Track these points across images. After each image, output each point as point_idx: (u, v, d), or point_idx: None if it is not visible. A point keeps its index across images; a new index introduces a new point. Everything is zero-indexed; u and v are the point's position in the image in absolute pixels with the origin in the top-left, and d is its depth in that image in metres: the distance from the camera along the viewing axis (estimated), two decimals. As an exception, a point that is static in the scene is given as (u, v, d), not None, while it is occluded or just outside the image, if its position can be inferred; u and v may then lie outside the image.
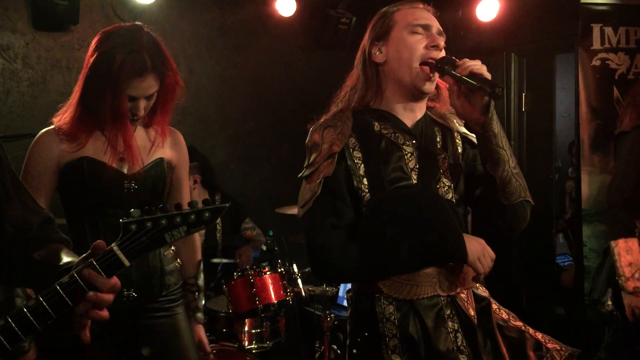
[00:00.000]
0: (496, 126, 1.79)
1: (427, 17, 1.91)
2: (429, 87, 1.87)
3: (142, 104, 2.13)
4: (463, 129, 1.98)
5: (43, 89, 4.10)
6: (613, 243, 2.74)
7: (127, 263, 1.44)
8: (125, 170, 2.15)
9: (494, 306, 1.93)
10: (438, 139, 1.93)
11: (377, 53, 1.91)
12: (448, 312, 1.81)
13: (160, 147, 2.26)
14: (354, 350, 1.87)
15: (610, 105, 3.75)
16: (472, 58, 1.81)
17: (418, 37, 1.86)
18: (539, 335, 1.90)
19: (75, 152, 2.11)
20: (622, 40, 3.79)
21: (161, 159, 2.24)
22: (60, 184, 2.14)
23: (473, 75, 1.73)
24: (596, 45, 3.83)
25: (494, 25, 4.68)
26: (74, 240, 2.13)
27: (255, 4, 4.89)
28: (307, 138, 1.91)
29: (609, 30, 3.81)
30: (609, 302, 2.80)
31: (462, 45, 4.79)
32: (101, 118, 2.11)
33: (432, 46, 1.85)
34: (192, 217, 1.47)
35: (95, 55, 2.09)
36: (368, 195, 1.81)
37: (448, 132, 1.96)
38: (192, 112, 4.79)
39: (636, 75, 3.80)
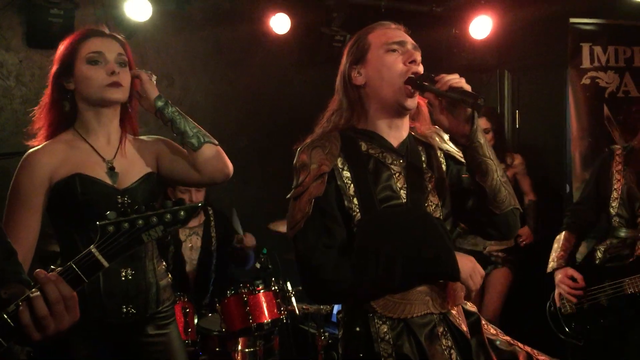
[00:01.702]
0: (482, 137, 1.82)
1: (400, 34, 1.93)
2: (411, 103, 1.89)
3: (113, 61, 2.15)
4: (445, 146, 2.00)
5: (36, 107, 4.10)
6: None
7: (106, 264, 1.46)
8: (116, 184, 2.15)
9: (482, 321, 1.94)
10: (423, 158, 1.96)
11: (357, 76, 1.93)
12: (441, 329, 1.82)
13: (141, 155, 2.27)
14: None
15: (600, 123, 3.78)
16: (466, 75, 1.83)
17: (395, 55, 1.88)
18: (528, 348, 1.92)
19: (66, 167, 2.10)
20: (612, 59, 3.83)
21: (151, 173, 2.25)
22: (50, 203, 2.13)
23: (453, 89, 1.75)
24: (586, 64, 3.86)
25: (487, 43, 4.72)
26: (65, 257, 2.14)
27: (250, 22, 4.92)
28: (295, 159, 1.91)
29: (598, 49, 3.85)
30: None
31: (456, 63, 4.82)
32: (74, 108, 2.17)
33: (411, 61, 1.87)
34: (168, 216, 1.51)
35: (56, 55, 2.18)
36: (359, 214, 1.82)
37: (431, 150, 1.98)
38: (186, 130, 4.78)
39: (625, 94, 3.84)
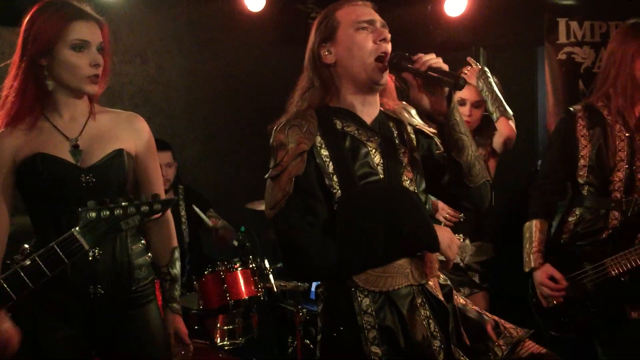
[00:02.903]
0: (458, 114, 1.86)
1: (369, 12, 1.94)
2: (384, 78, 1.92)
3: (96, 52, 2.09)
4: (415, 121, 2.04)
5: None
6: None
7: (87, 247, 1.60)
8: (80, 162, 2.11)
9: (454, 292, 2.01)
10: (395, 134, 1.99)
11: (327, 54, 1.94)
12: (419, 300, 1.87)
13: (112, 131, 2.20)
14: (329, 345, 1.89)
15: (576, 99, 3.82)
16: (441, 53, 1.86)
17: (364, 34, 1.90)
18: (496, 317, 1.99)
19: (28, 148, 2.07)
20: (587, 34, 3.86)
21: (120, 150, 2.18)
22: (17, 183, 2.11)
23: (433, 69, 1.78)
24: (562, 39, 3.90)
25: (463, 20, 4.73)
26: (38, 239, 2.13)
27: (225, -1, 4.86)
28: (271, 138, 1.91)
29: (574, 24, 3.88)
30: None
31: (431, 40, 4.83)
32: (44, 92, 2.09)
33: (381, 40, 1.89)
34: (145, 207, 1.66)
35: (26, 29, 2.09)
36: (339, 192, 1.84)
37: (402, 125, 2.02)
38: (162, 109, 4.74)
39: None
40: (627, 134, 2.59)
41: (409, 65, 1.82)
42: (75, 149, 2.12)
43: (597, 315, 2.59)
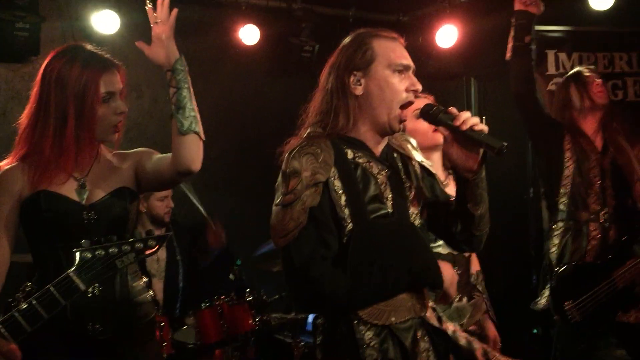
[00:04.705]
0: (483, 171, 1.86)
1: (405, 54, 1.92)
2: (401, 127, 1.92)
3: (119, 99, 2.13)
4: (419, 157, 2.03)
5: (3, 121, 4.04)
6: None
7: (83, 288, 1.65)
8: (84, 200, 2.11)
9: (443, 318, 2.05)
10: (400, 166, 1.98)
11: (356, 85, 1.89)
12: (420, 333, 1.88)
13: (116, 170, 2.21)
14: None
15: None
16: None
17: (399, 78, 1.88)
18: (485, 346, 2.04)
19: (34, 184, 2.07)
20: (576, 65, 3.92)
21: (122, 188, 2.18)
22: (21, 220, 2.11)
23: (475, 131, 1.77)
24: (551, 70, 3.96)
25: (454, 52, 4.81)
26: (39, 275, 2.12)
27: (219, 33, 4.92)
28: (284, 164, 1.85)
29: (563, 55, 3.95)
30: (543, 300, 2.94)
31: (423, 71, 4.85)
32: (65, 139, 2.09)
33: (413, 90, 1.88)
34: (140, 245, 1.73)
35: (46, 75, 2.09)
36: (350, 225, 1.82)
37: (407, 159, 2.01)
38: (156, 142, 4.72)
39: (590, 99, 3.93)
40: (597, 155, 2.92)
41: (449, 122, 1.80)
42: (82, 188, 2.12)
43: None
